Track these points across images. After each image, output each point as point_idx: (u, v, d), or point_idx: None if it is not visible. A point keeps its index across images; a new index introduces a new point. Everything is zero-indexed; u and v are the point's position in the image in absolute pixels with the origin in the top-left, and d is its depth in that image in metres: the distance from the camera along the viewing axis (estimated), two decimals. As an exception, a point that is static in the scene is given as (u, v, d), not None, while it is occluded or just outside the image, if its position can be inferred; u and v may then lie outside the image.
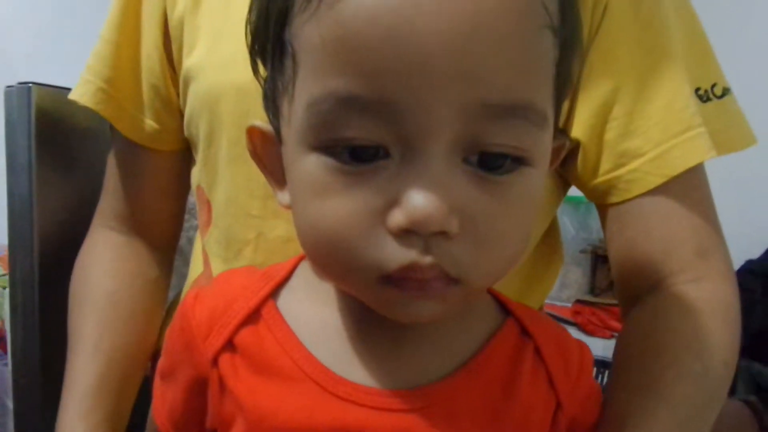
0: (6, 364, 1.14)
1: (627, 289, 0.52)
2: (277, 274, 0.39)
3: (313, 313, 0.37)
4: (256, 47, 0.36)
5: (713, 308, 0.47)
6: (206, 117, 0.52)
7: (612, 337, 1.64)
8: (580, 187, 0.53)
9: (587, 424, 0.40)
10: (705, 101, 0.51)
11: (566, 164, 0.52)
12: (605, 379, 1.72)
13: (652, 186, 0.49)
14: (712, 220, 0.51)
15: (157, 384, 0.43)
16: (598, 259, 1.78)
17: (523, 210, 0.32)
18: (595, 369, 1.55)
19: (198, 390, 0.38)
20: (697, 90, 0.51)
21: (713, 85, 0.52)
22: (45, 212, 0.76)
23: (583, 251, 1.83)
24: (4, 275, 1.39)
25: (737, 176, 1.76)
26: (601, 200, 0.52)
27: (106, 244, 0.62)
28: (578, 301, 1.71)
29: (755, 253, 1.63)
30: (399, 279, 0.30)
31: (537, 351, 0.38)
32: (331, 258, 0.32)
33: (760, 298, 1.44)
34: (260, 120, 0.37)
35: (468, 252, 0.30)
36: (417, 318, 0.32)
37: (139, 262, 0.62)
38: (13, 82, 0.76)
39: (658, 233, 0.49)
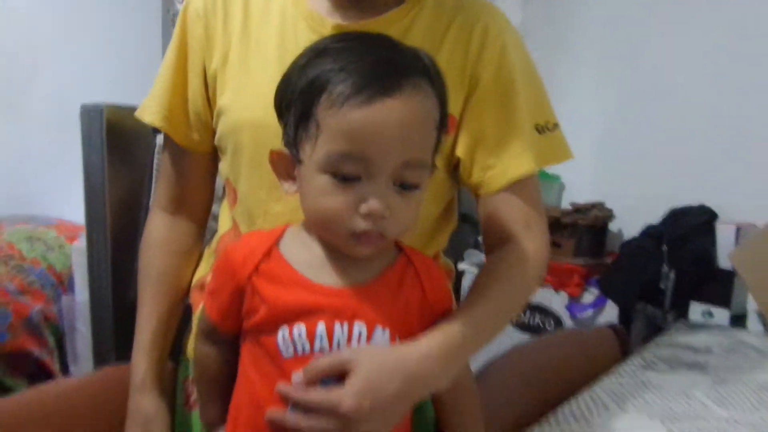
0: (73, 299, 1.50)
1: (487, 245, 0.86)
2: (277, 233, 0.72)
3: (298, 251, 0.70)
4: (283, 107, 0.68)
5: (529, 257, 0.81)
6: (233, 140, 0.83)
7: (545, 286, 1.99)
8: (462, 184, 0.86)
9: (441, 310, 0.73)
10: (541, 133, 0.85)
11: (455, 171, 0.85)
12: (544, 325, 2.08)
13: (499, 186, 0.82)
14: (536, 207, 0.84)
15: (207, 298, 0.74)
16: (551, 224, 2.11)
17: (414, 208, 0.67)
18: (528, 312, 1.96)
19: (236, 296, 0.70)
20: (536, 125, 0.84)
21: (547, 122, 0.85)
22: (114, 192, 1.09)
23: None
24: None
25: (642, 156, 2.07)
26: (474, 192, 0.85)
27: (159, 227, 0.93)
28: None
29: (654, 219, 1.93)
30: (359, 236, 0.63)
31: (416, 272, 0.71)
32: (326, 224, 0.65)
33: (653, 254, 1.75)
34: (269, 144, 0.71)
35: (391, 225, 0.64)
36: (364, 254, 0.66)
37: (180, 241, 0.94)
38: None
39: (503, 214, 0.83)
